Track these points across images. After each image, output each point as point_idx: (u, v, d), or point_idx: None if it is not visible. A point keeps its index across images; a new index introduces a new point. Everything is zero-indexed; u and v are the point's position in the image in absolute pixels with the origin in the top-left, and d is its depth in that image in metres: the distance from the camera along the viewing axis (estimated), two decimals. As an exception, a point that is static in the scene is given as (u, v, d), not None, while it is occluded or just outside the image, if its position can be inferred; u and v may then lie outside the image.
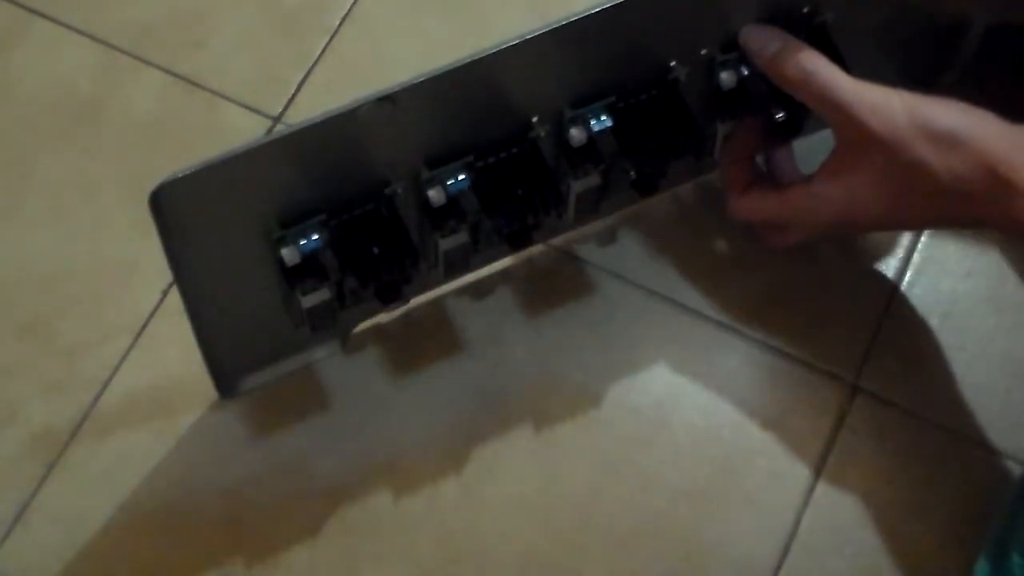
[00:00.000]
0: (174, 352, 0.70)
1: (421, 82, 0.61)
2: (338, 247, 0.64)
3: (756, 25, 0.66)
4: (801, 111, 0.68)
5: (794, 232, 0.69)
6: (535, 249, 0.75)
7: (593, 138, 0.66)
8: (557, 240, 0.75)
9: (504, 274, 0.75)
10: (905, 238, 0.75)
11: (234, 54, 0.81)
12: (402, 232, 0.64)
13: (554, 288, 0.75)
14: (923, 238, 0.75)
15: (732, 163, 0.70)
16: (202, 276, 0.64)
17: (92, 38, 0.82)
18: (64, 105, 0.80)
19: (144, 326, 0.74)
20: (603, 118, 0.65)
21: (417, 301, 0.73)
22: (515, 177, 0.65)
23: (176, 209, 0.60)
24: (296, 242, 0.63)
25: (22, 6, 0.83)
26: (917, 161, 0.61)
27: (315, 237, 0.63)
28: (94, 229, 0.76)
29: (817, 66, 0.64)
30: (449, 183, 0.64)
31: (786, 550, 0.68)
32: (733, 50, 0.67)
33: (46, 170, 0.78)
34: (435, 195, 0.64)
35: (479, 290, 0.74)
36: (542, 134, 0.65)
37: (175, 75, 0.81)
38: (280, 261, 0.63)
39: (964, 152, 0.61)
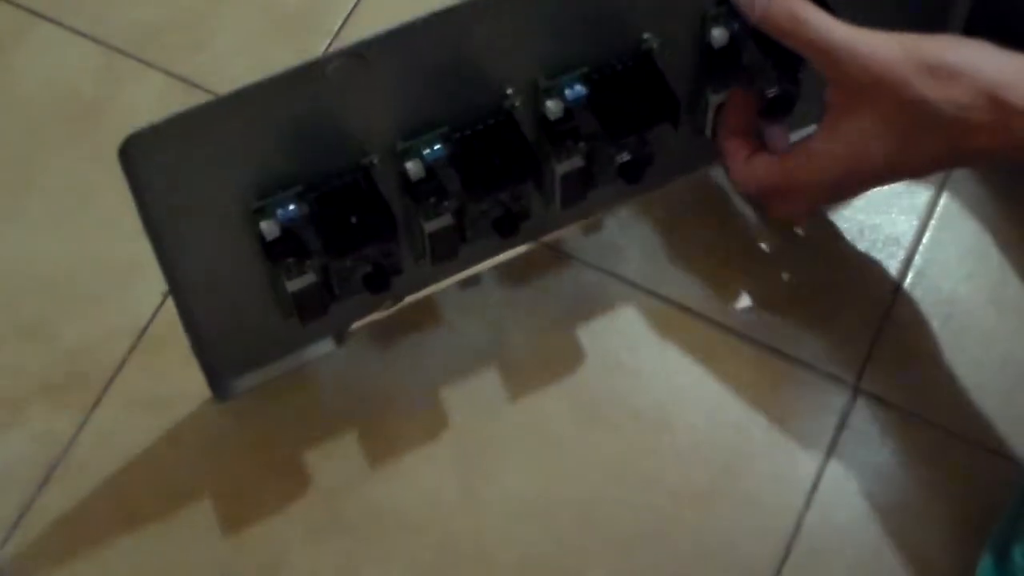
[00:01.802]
0: (174, 353, 0.70)
1: (389, 33, 0.60)
2: (317, 220, 0.64)
3: None
4: (792, 86, 0.68)
5: (799, 198, 0.69)
6: (532, 249, 0.75)
7: (570, 109, 0.66)
8: (554, 239, 0.75)
9: (502, 274, 0.75)
10: (906, 238, 0.75)
11: (235, 56, 0.81)
12: (381, 203, 0.64)
13: (553, 289, 0.75)
14: (925, 239, 0.75)
15: (732, 135, 0.70)
16: (182, 249, 0.64)
17: (93, 40, 0.82)
18: (66, 107, 0.80)
19: (145, 327, 0.74)
20: (578, 87, 0.66)
21: (412, 299, 0.73)
22: (493, 148, 0.65)
23: (148, 165, 0.59)
24: (274, 213, 0.63)
25: (24, 8, 0.83)
26: (919, 98, 0.61)
27: (292, 207, 0.63)
28: (95, 230, 0.76)
29: (809, 14, 0.64)
30: (425, 152, 0.64)
31: (787, 551, 0.68)
32: (724, 4, 0.67)
33: (47, 172, 0.78)
34: (413, 167, 0.64)
35: (476, 290, 0.74)
36: (517, 103, 0.65)
37: (176, 77, 0.81)
38: (260, 237, 0.63)
39: (965, 82, 0.60)
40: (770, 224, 0.76)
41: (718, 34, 0.67)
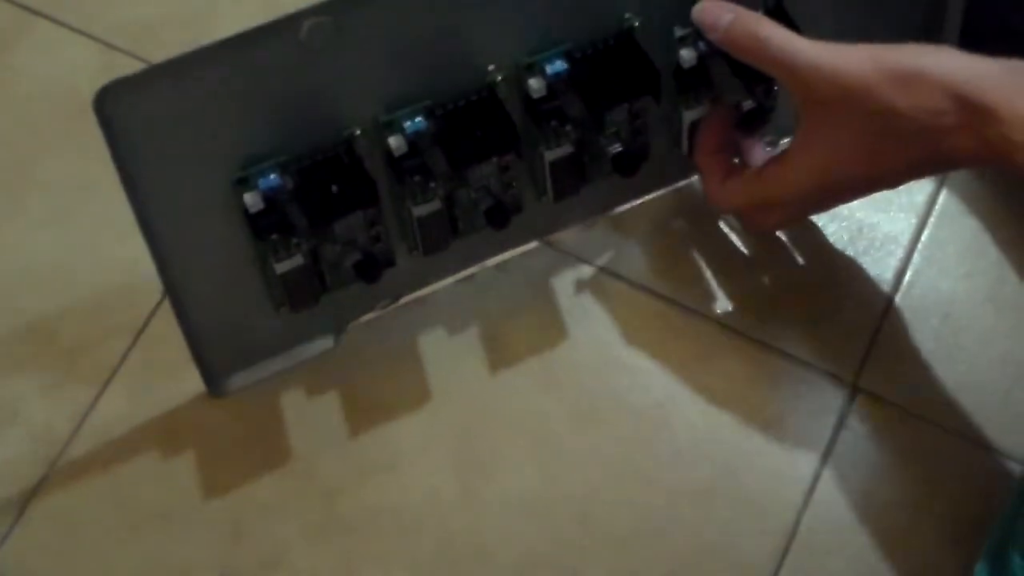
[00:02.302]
0: (174, 352, 0.70)
1: None
2: (299, 191, 0.64)
3: (707, 1, 0.66)
4: (767, 99, 0.68)
5: (775, 213, 0.69)
6: (530, 247, 0.75)
7: (553, 88, 0.66)
8: (553, 238, 0.75)
9: (501, 273, 0.75)
10: (904, 236, 0.75)
11: (234, 54, 0.81)
12: (363, 174, 0.64)
13: (552, 287, 0.75)
14: (923, 237, 0.75)
15: (708, 155, 0.70)
16: (166, 221, 0.64)
17: (92, 38, 0.82)
18: (64, 105, 0.80)
19: (144, 326, 0.74)
20: (559, 63, 0.66)
21: (409, 299, 0.73)
22: (475, 122, 0.65)
23: (124, 119, 0.59)
24: (256, 184, 0.63)
25: (22, 6, 0.83)
26: (887, 106, 0.61)
27: (274, 177, 0.63)
28: (94, 229, 0.76)
29: (771, 32, 0.64)
30: (407, 125, 0.64)
31: (786, 550, 0.68)
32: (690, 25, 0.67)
33: (46, 170, 0.79)
34: (395, 142, 0.64)
35: (473, 288, 0.74)
36: (499, 79, 0.66)
37: (175, 75, 0.81)
38: (244, 211, 0.63)
39: (932, 86, 0.60)
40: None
41: (687, 55, 0.67)
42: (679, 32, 0.67)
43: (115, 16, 0.83)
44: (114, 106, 0.59)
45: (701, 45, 0.67)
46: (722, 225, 0.76)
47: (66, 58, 0.82)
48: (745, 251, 0.75)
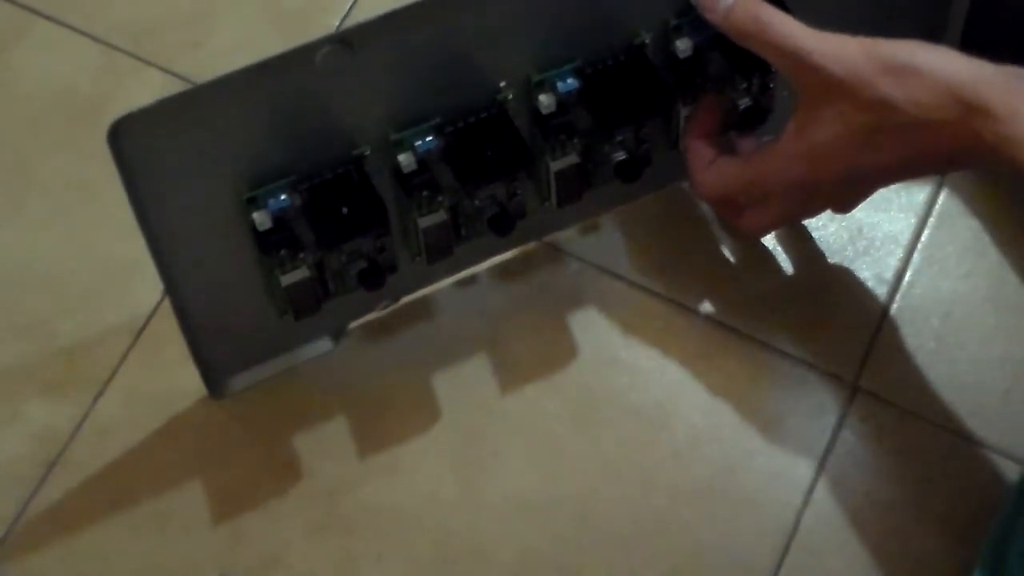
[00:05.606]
0: (174, 352, 0.70)
1: (377, 20, 0.61)
2: (309, 211, 0.64)
3: None
4: (764, 98, 0.68)
5: (762, 209, 0.69)
6: (531, 247, 0.75)
7: (563, 103, 0.66)
8: (553, 239, 0.75)
9: (500, 273, 0.75)
10: (904, 236, 0.75)
11: (233, 54, 0.81)
12: (373, 195, 0.64)
13: (551, 287, 0.75)
14: (923, 237, 0.75)
15: (696, 139, 0.70)
16: (174, 240, 0.64)
17: (92, 38, 0.82)
18: (64, 105, 0.80)
19: (144, 326, 0.74)
20: (570, 80, 0.66)
21: (410, 299, 0.73)
22: (485, 141, 0.65)
23: (137, 149, 0.59)
24: (266, 203, 0.63)
25: (22, 6, 0.83)
26: (881, 98, 0.61)
27: (284, 197, 0.63)
28: (94, 229, 0.76)
29: (772, 16, 0.64)
30: (417, 144, 0.64)
31: (786, 550, 0.68)
32: (689, 13, 0.67)
33: (46, 170, 0.78)
34: (405, 159, 0.64)
35: (473, 287, 0.74)
36: (510, 96, 0.65)
37: (174, 75, 0.81)
38: (252, 227, 0.63)
39: (927, 81, 0.60)
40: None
41: (682, 45, 0.67)
42: (674, 21, 0.67)
43: (115, 16, 0.83)
44: (128, 139, 0.59)
45: (697, 36, 0.67)
46: (722, 224, 0.76)
47: (66, 58, 0.82)
48: (745, 251, 0.75)
